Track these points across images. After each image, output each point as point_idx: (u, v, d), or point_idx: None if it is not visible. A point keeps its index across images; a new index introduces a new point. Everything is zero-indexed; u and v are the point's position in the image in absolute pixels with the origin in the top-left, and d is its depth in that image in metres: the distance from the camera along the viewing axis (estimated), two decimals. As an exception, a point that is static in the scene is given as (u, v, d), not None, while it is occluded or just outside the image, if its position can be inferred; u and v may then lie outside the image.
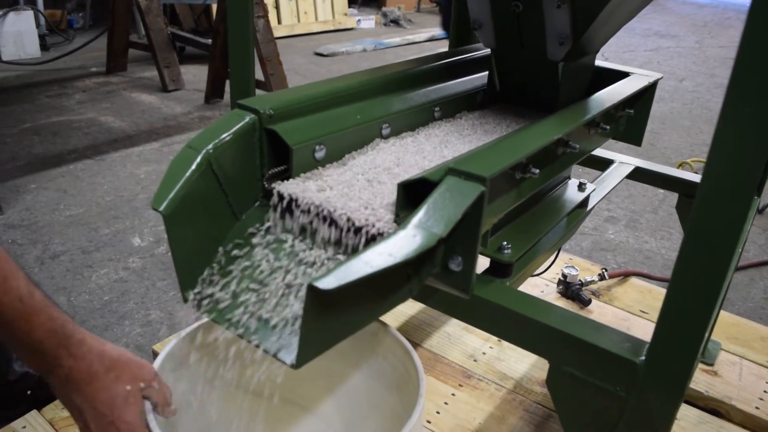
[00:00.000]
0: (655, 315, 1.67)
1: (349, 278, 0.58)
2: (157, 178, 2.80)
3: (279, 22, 5.75)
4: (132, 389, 0.80)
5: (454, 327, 1.62)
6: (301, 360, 0.65)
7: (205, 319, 0.94)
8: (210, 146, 0.80)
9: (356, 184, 0.86)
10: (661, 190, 2.75)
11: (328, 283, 0.57)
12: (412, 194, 0.76)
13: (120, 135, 3.29)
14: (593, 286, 1.80)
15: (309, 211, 0.83)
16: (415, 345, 1.55)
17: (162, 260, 2.17)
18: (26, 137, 3.19)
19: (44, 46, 4.74)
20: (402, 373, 0.97)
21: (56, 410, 1.31)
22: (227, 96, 3.85)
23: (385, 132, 1.02)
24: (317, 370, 1.00)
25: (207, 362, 0.97)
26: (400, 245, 0.62)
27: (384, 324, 1.00)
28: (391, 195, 0.82)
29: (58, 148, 3.08)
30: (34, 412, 1.31)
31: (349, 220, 0.79)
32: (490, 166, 0.71)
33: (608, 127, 1.10)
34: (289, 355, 0.69)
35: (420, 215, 0.66)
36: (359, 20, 6.49)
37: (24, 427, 1.27)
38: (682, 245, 0.73)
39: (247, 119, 0.85)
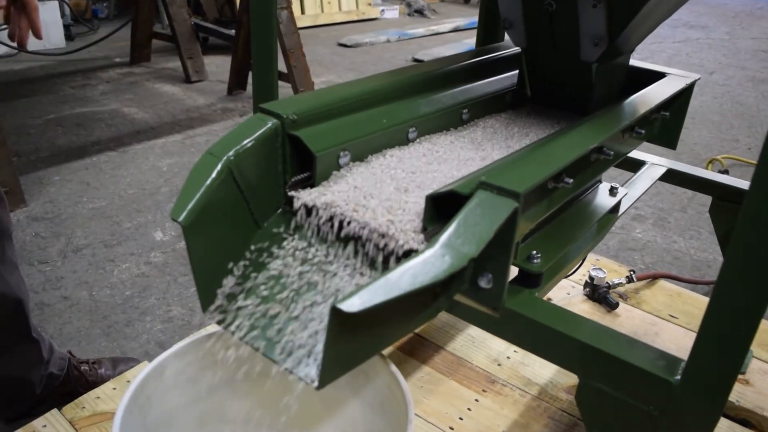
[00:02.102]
0: (684, 319, 1.64)
1: (374, 301, 0.55)
2: (179, 171, 2.80)
3: (302, 12, 5.72)
4: None
5: (478, 329, 1.58)
6: (324, 381, 0.63)
7: (196, 336, 0.92)
8: (231, 153, 0.78)
9: (381, 193, 0.83)
10: (691, 188, 2.69)
11: (351, 305, 0.55)
12: (441, 206, 0.73)
13: (143, 126, 3.29)
14: (621, 289, 1.76)
15: (330, 221, 0.80)
16: (438, 348, 1.52)
17: (183, 255, 2.16)
18: (50, 128, 3.20)
19: (69, 36, 4.77)
20: (389, 396, 0.92)
21: (76, 410, 1.31)
22: (250, 87, 3.84)
23: (411, 136, 0.99)
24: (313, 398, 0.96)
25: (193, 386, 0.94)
26: (429, 266, 0.59)
27: None
28: (418, 205, 0.79)
29: (81, 139, 3.09)
30: (54, 411, 1.30)
31: (372, 231, 0.76)
32: (524, 179, 0.68)
33: (643, 131, 1.06)
34: (312, 375, 0.67)
35: (449, 233, 0.63)
36: (383, 10, 6.44)
37: (44, 426, 1.27)
38: (726, 258, 0.69)
39: (269, 124, 0.82)
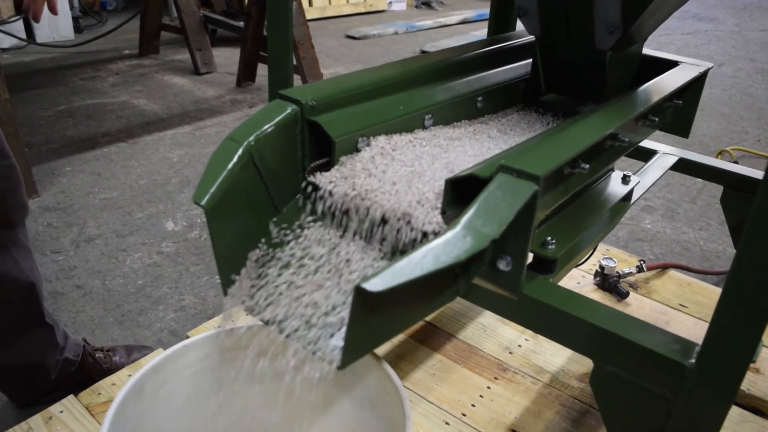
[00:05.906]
0: (694, 309, 1.65)
1: (397, 280, 0.56)
2: (189, 161, 2.81)
3: (310, 4, 5.72)
4: None
5: (490, 318, 1.60)
6: (347, 361, 0.64)
7: (186, 341, 0.92)
8: (252, 138, 0.79)
9: (400, 177, 0.84)
10: (700, 179, 2.69)
11: (375, 285, 0.56)
12: (461, 190, 0.74)
13: (153, 118, 3.30)
14: (631, 279, 1.77)
15: (350, 204, 0.81)
16: (450, 336, 1.53)
17: (195, 245, 2.18)
18: (61, 120, 3.22)
19: (78, 29, 4.78)
20: (380, 394, 0.90)
21: (92, 395, 1.33)
22: (259, 79, 3.85)
23: (427, 123, 1.00)
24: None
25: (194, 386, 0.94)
26: (451, 246, 0.60)
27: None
28: (437, 189, 0.80)
29: (92, 130, 3.10)
30: (71, 396, 1.32)
31: (392, 214, 0.77)
32: (543, 163, 0.69)
33: (657, 119, 1.07)
34: (333, 355, 0.68)
35: (470, 215, 0.63)
36: (390, 2, 6.43)
37: (61, 411, 1.28)
38: (740, 247, 0.70)
39: (289, 110, 0.83)
